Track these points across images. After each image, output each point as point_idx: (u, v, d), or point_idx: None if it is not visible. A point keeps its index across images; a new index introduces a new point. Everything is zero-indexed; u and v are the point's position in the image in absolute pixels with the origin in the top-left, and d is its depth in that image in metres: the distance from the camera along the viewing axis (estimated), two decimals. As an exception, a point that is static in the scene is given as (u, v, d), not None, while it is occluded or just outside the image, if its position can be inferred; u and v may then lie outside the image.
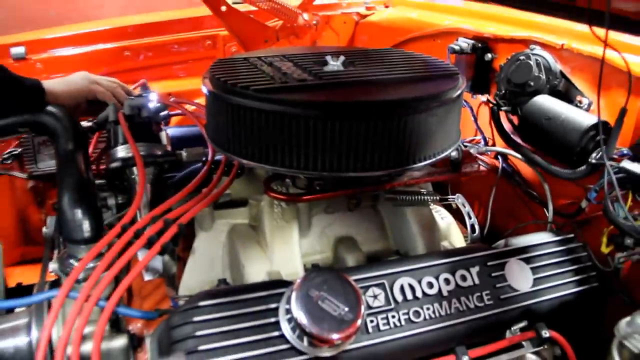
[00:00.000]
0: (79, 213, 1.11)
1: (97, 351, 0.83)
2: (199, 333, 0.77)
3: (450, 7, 1.72)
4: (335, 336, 0.75)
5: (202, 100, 1.73)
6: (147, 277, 1.26)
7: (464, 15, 1.63)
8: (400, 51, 1.23)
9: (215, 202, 1.10)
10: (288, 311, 0.77)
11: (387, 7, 2.09)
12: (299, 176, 1.07)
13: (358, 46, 2.08)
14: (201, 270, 1.07)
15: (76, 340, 0.83)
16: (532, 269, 0.98)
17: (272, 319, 0.80)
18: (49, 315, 0.86)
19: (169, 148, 1.37)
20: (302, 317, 0.75)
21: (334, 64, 1.12)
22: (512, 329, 0.96)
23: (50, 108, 1.22)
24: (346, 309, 0.77)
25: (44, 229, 1.44)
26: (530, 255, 1.00)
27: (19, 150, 1.70)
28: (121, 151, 1.29)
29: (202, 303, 0.79)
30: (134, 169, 1.31)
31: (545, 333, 0.96)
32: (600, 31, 0.89)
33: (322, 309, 0.76)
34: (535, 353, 1.05)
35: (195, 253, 1.08)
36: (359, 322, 0.77)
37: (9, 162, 1.72)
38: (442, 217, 1.22)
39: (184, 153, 1.27)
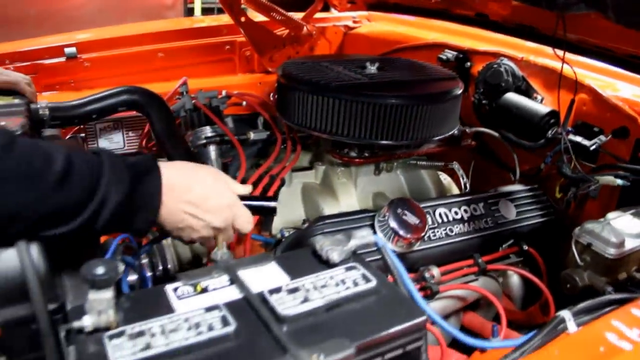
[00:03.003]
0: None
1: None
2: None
3: (432, 24, 2.21)
4: (412, 236, 1.22)
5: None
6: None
7: (442, 32, 2.13)
8: (413, 60, 1.71)
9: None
10: (383, 223, 1.23)
11: (369, 21, 2.57)
12: (354, 147, 1.51)
13: (346, 53, 2.54)
14: (285, 214, 1.50)
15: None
16: (515, 205, 1.48)
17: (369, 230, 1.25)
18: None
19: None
20: (394, 224, 1.21)
21: (372, 68, 1.58)
22: (504, 245, 1.46)
23: (143, 89, 1.59)
24: (417, 220, 1.24)
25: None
26: (513, 197, 1.50)
27: (82, 135, 2.03)
28: (202, 132, 1.69)
29: (326, 221, 1.24)
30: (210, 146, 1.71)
31: (525, 247, 1.46)
32: (559, 52, 1.41)
33: (405, 220, 1.22)
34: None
35: (281, 202, 1.50)
36: (426, 229, 1.24)
37: (71, 145, 2.04)
38: (444, 178, 1.71)
39: (251, 133, 1.68)
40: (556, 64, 1.63)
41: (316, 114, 1.41)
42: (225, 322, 0.80)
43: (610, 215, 1.34)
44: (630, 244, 1.26)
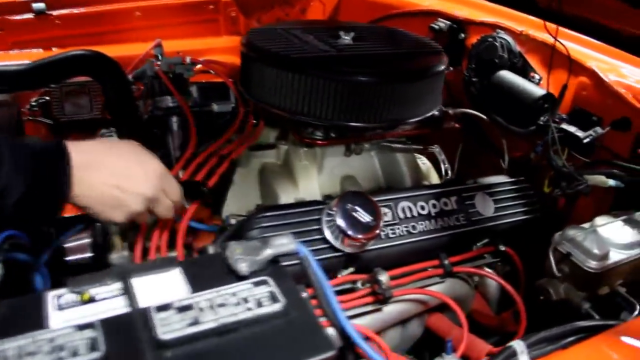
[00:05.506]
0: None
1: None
2: (265, 234, 1.07)
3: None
4: (363, 236, 1.07)
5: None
6: (188, 204, 1.53)
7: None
8: (397, 29, 1.54)
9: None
10: (330, 220, 1.08)
11: (368, -17, 2.37)
12: (319, 127, 1.36)
13: (342, 18, 2.35)
14: (239, 197, 1.36)
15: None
16: (493, 200, 1.32)
17: (316, 226, 1.11)
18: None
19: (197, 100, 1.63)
20: (341, 222, 1.07)
21: (346, 38, 1.41)
22: (477, 244, 1.30)
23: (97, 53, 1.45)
24: (371, 218, 1.09)
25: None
26: (492, 191, 1.34)
27: (47, 98, 1.90)
28: (162, 102, 1.55)
29: (267, 213, 1.10)
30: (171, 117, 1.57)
31: (502, 247, 1.31)
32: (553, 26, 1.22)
33: (355, 217, 1.08)
34: (491, 268, 1.41)
35: (235, 184, 1.36)
36: (379, 228, 1.09)
37: (36, 109, 1.92)
38: (423, 163, 1.55)
39: (215, 106, 1.53)
40: (560, 41, 1.44)
41: (274, 90, 1.26)
42: (93, 346, 0.68)
43: (599, 220, 1.17)
44: (615, 257, 1.10)
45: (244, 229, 1.09)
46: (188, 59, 1.63)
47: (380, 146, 1.48)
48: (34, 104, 1.91)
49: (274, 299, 0.75)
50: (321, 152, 1.41)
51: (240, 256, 0.79)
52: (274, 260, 0.83)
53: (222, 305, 0.74)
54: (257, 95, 1.33)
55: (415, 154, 1.55)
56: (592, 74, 1.38)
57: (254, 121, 1.43)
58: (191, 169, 1.23)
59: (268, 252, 0.81)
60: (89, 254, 1.23)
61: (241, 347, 0.70)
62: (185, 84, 1.60)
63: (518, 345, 0.83)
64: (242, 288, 0.77)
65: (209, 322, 0.71)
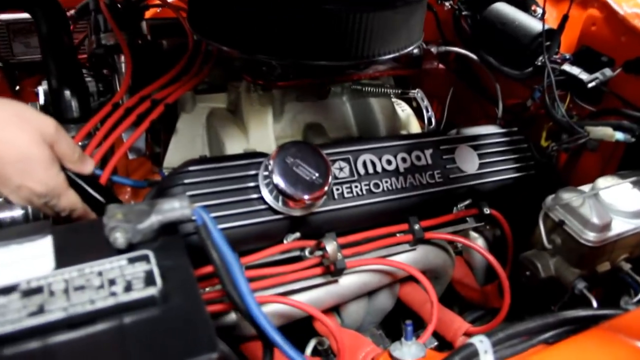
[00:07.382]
0: (67, 94, 1.20)
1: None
2: (189, 193, 0.89)
3: None
4: (306, 197, 0.88)
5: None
6: (131, 156, 1.36)
7: None
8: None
9: (196, 87, 1.19)
10: (267, 176, 0.89)
11: None
12: (275, 65, 1.16)
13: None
14: (183, 148, 1.17)
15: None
16: (478, 154, 1.12)
17: (252, 183, 0.92)
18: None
19: (148, 37, 1.43)
20: (279, 180, 0.88)
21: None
22: (458, 205, 1.11)
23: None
24: (317, 174, 0.90)
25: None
26: (478, 143, 1.13)
27: (-8, 38, 1.71)
28: (105, 39, 1.35)
29: (191, 168, 0.91)
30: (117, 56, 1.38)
31: (487, 210, 1.11)
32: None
33: (297, 174, 0.88)
34: (479, 232, 1.22)
35: (178, 133, 1.18)
36: (327, 186, 0.90)
37: (-17, 50, 1.73)
38: (403, 110, 1.34)
39: (164, 42, 1.34)
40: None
41: (220, 23, 1.05)
42: None
43: (601, 182, 0.97)
44: (619, 227, 0.91)
45: (165, 186, 0.91)
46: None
47: (352, 90, 1.27)
48: (-21, 44, 1.73)
49: (149, 281, 0.57)
50: (280, 96, 1.21)
51: (118, 223, 0.61)
52: (170, 230, 0.65)
53: (80, 288, 0.56)
54: (204, 30, 1.12)
55: (395, 100, 1.34)
56: (603, 5, 1.16)
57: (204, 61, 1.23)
58: (117, 116, 1.04)
59: (153, 219, 0.62)
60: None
61: (92, 344, 0.53)
62: (135, 20, 1.40)
63: (481, 342, 0.64)
64: (113, 266, 0.59)
65: (56, 311, 0.54)
